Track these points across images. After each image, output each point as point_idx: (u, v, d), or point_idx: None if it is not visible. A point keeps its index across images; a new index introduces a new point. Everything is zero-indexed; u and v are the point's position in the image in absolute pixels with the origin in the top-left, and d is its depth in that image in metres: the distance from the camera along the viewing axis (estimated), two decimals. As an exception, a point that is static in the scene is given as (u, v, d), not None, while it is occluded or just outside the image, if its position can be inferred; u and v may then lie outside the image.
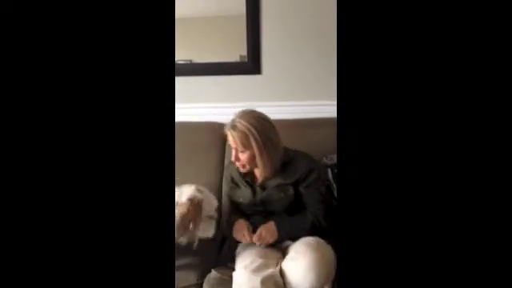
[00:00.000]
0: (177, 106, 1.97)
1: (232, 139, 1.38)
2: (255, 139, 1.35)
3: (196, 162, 1.76)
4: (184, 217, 1.22)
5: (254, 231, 1.39)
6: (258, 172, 1.49)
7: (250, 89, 1.94)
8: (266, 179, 1.44)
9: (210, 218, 1.36)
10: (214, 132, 1.83)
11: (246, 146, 1.37)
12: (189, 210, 1.22)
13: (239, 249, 1.42)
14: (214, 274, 1.36)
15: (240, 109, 1.43)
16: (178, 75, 1.93)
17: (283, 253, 1.36)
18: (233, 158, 1.42)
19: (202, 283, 1.36)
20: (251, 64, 1.92)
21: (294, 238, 1.38)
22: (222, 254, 1.51)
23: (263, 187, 1.47)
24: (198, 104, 1.97)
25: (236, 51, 1.94)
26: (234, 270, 1.29)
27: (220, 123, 1.87)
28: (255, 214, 1.48)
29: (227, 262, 1.41)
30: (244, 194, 1.50)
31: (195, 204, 1.24)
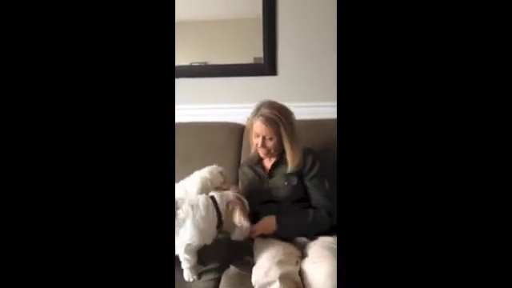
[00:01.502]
0: (193, 107, 2.02)
1: (261, 127, 1.45)
2: (284, 126, 1.43)
3: (213, 161, 1.77)
4: (242, 212, 1.29)
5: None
6: (267, 161, 1.57)
7: (265, 90, 1.96)
8: (295, 166, 1.47)
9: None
10: (231, 132, 1.87)
11: (276, 132, 1.44)
12: (242, 208, 1.30)
13: (258, 243, 1.43)
14: (232, 269, 1.38)
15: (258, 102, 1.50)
16: (193, 77, 1.99)
17: (302, 251, 1.38)
18: (258, 145, 1.49)
19: (219, 278, 1.37)
20: (267, 65, 1.94)
21: (310, 236, 1.41)
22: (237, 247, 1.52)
23: (270, 176, 1.54)
24: (214, 105, 2.00)
25: (250, 53, 1.97)
26: (253, 264, 1.31)
27: (236, 123, 1.92)
28: (263, 205, 1.50)
29: (245, 255, 1.42)
30: (252, 182, 1.57)
31: (242, 201, 1.32)
